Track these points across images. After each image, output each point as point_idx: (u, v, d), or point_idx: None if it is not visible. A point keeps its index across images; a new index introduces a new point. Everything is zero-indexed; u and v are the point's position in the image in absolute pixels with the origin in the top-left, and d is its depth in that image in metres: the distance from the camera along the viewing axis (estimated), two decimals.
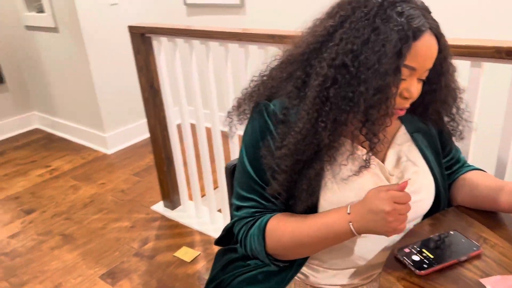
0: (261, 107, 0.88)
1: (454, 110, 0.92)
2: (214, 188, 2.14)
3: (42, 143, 3.43)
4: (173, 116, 2.12)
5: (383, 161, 0.89)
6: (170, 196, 2.34)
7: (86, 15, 2.84)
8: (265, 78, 0.91)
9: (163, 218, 2.32)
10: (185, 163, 2.19)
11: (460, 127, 0.94)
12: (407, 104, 0.82)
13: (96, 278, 1.91)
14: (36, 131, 3.69)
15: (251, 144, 0.89)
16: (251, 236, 0.88)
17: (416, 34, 0.74)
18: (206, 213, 2.26)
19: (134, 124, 3.30)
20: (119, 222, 2.31)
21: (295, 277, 0.97)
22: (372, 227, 0.77)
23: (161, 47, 1.98)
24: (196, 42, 1.85)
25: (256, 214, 0.89)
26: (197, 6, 3.21)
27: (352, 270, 0.93)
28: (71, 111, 3.37)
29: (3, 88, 3.51)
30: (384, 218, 0.75)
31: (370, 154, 0.82)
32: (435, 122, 0.95)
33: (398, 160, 0.90)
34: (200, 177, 2.21)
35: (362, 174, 0.84)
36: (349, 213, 0.80)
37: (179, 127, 2.12)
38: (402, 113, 0.83)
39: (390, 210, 0.74)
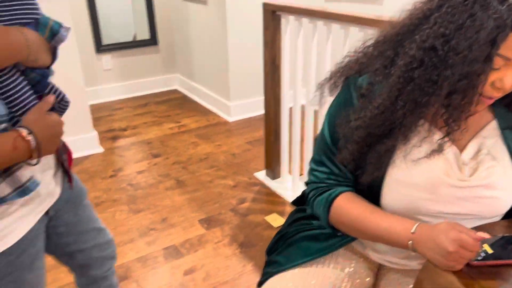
0: (349, 80, 0.93)
1: None
2: None
3: (178, 102, 3.90)
4: (287, 94, 2.24)
5: (462, 150, 0.87)
6: (272, 166, 2.49)
7: None
8: (359, 54, 0.96)
9: (262, 185, 2.50)
10: (291, 142, 2.31)
11: None
12: (497, 94, 0.79)
13: (195, 221, 2.17)
14: (175, 91, 4.21)
15: (333, 113, 0.95)
16: (318, 202, 0.95)
17: None
18: (301, 189, 2.35)
19: (256, 99, 3.54)
20: (225, 179, 2.56)
21: (353, 245, 1.02)
22: (429, 256, 0.78)
23: (288, 25, 2.10)
24: (319, 23, 1.92)
25: (328, 181, 0.95)
26: None
27: (408, 253, 0.94)
28: (206, 78, 3.76)
29: (156, 49, 4.07)
30: (444, 256, 0.75)
31: (445, 139, 0.82)
32: None
33: (478, 152, 0.87)
34: (302, 158, 2.32)
35: (433, 158, 0.84)
36: (413, 232, 0.81)
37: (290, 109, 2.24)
38: (490, 102, 0.80)
39: (453, 252, 0.74)
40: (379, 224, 0.86)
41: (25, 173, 0.81)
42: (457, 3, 0.75)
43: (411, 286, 0.95)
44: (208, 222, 2.16)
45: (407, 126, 0.83)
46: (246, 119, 3.49)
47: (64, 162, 0.98)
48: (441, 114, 0.81)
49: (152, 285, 1.76)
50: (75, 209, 1.06)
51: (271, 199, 2.36)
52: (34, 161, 0.79)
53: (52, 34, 0.83)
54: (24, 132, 0.76)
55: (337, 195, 0.92)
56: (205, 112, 3.66)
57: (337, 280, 0.98)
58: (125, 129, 3.32)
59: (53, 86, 0.87)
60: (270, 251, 1.11)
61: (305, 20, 2.00)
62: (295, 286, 0.95)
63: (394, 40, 0.86)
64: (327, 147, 0.95)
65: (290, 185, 2.42)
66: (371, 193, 0.90)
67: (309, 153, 2.16)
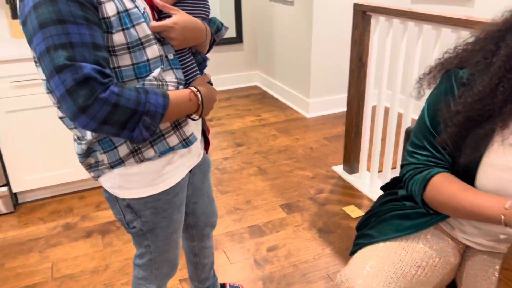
0: (450, 72, 1.03)
1: None
2: (392, 168, 2.29)
3: (258, 98, 4.12)
4: (372, 89, 2.33)
5: None
6: (351, 161, 2.59)
7: None
8: (459, 50, 1.05)
9: (340, 178, 2.60)
10: (371, 139, 2.40)
11: None
12: None
13: (276, 205, 2.34)
14: (256, 87, 4.43)
15: (434, 101, 1.05)
16: (415, 180, 1.05)
17: None
18: (379, 185, 2.43)
19: (335, 97, 3.63)
20: (303, 171, 2.70)
21: (442, 226, 1.11)
22: None
23: (377, 25, 2.19)
24: (411, 24, 1.99)
25: (428, 163, 1.05)
26: None
27: (497, 236, 1.01)
28: (286, 76, 3.92)
29: (240, 47, 4.32)
30: None
31: None
32: None
33: None
34: (382, 155, 2.39)
35: None
36: (506, 209, 0.89)
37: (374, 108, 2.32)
38: None
39: None
40: (473, 200, 0.94)
41: (189, 129, 1.04)
42: None
43: (498, 266, 1.03)
44: (289, 207, 2.32)
45: (507, 112, 0.91)
46: (324, 116, 3.60)
47: (206, 131, 1.21)
48: None
49: (239, 257, 1.95)
50: (202, 176, 1.28)
51: (349, 192, 2.46)
52: (197, 117, 1.03)
53: (217, 30, 1.10)
54: (194, 89, 1.00)
55: (435, 174, 1.02)
56: (284, 107, 3.83)
57: (425, 256, 1.08)
58: (211, 120, 3.59)
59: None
60: (361, 227, 1.24)
61: (395, 21, 2.08)
62: (385, 256, 1.07)
63: (496, 36, 0.94)
64: (428, 132, 1.05)
65: (368, 181, 2.50)
66: (467, 175, 0.99)
67: (390, 152, 2.23)
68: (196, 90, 1.00)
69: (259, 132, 3.32)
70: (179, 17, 0.95)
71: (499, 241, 1.03)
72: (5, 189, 2.27)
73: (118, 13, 0.86)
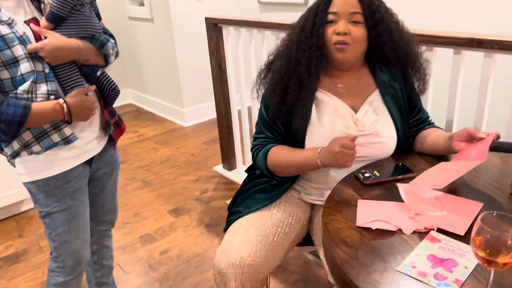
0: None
1: (416, 65, 1.28)
2: None
3: (133, 114, 4.14)
4: (234, 93, 2.59)
5: (356, 111, 1.26)
6: (228, 159, 2.82)
7: (176, 8, 3.44)
8: (278, 50, 1.32)
9: (221, 176, 2.82)
10: (242, 137, 2.66)
11: (422, 81, 1.30)
12: (342, 38, 1.18)
13: (165, 212, 2.45)
14: (130, 105, 4.43)
15: (264, 95, 1.32)
16: (259, 157, 1.31)
17: None
18: None
19: (208, 104, 3.86)
20: (187, 176, 2.86)
21: (291, 193, 1.38)
22: (328, 162, 1.16)
23: (229, 35, 2.46)
24: (254, 31, 2.29)
25: (265, 142, 1.31)
26: (268, 4, 3.66)
27: (328, 190, 1.30)
28: (158, 89, 4.03)
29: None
30: (334, 156, 1.13)
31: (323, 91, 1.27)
32: (402, 70, 1.29)
33: (367, 112, 1.26)
34: None
35: (336, 118, 1.23)
36: (318, 153, 1.19)
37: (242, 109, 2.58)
38: (343, 47, 1.19)
39: (338, 151, 1.12)
40: (299, 155, 1.24)
41: (69, 130, 1.21)
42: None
43: None
44: (177, 212, 2.45)
45: (312, 81, 1.24)
46: (200, 123, 3.80)
47: (112, 133, 1.36)
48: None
49: (133, 266, 2.02)
50: (108, 171, 1.44)
51: (230, 186, 2.68)
52: (69, 122, 1.19)
53: (101, 45, 1.23)
54: (61, 101, 1.16)
55: (270, 148, 1.29)
56: (161, 120, 3.93)
57: (281, 218, 1.33)
58: None
59: (107, 78, 1.30)
60: (231, 206, 1.44)
61: (243, 30, 2.37)
62: (250, 224, 1.29)
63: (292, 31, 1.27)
64: (264, 120, 1.31)
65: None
66: (298, 140, 1.27)
67: None
68: (63, 101, 1.15)
69: (138, 147, 3.38)
70: (49, 39, 1.13)
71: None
72: None
73: None
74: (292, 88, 1.24)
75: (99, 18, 1.32)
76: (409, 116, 1.33)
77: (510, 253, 0.68)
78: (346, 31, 1.19)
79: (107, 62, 1.30)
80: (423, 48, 1.54)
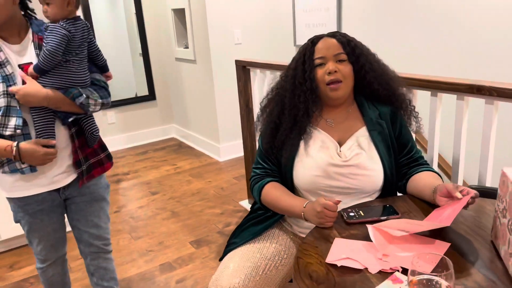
0: None
1: (403, 104, 1.35)
2: None
3: (174, 148, 4.38)
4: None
5: (341, 144, 1.32)
6: None
7: (216, 51, 3.68)
8: (273, 91, 1.43)
9: (245, 211, 2.89)
10: None
11: (412, 122, 1.35)
12: (333, 77, 1.28)
13: (186, 242, 2.56)
14: (172, 139, 4.70)
15: (261, 132, 1.41)
16: (255, 189, 1.39)
17: (314, 41, 1.30)
18: None
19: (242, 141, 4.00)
20: (213, 209, 2.96)
21: (285, 226, 1.43)
22: (310, 218, 1.21)
23: (256, 76, 2.61)
24: (277, 73, 2.42)
25: (262, 174, 1.40)
26: None
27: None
28: (198, 125, 4.25)
29: (154, 104, 4.61)
30: (316, 215, 1.18)
31: (313, 127, 1.35)
32: (390, 110, 1.36)
33: (352, 145, 1.31)
34: None
35: (321, 149, 1.29)
36: (304, 207, 1.25)
37: None
38: (336, 86, 1.29)
39: (320, 211, 1.17)
40: (286, 202, 1.30)
41: (19, 165, 1.42)
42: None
43: None
44: (198, 243, 2.54)
45: (300, 122, 1.32)
46: (234, 158, 3.94)
47: (84, 171, 1.52)
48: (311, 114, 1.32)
49: None
50: (85, 201, 1.59)
51: None
52: (20, 162, 1.39)
53: (73, 98, 1.40)
54: (14, 144, 1.35)
55: (266, 183, 1.37)
56: (198, 155, 4.12)
57: (275, 252, 1.37)
58: (127, 173, 3.77)
59: (89, 123, 1.49)
60: (231, 238, 1.51)
61: (268, 72, 2.51)
62: (243, 255, 1.34)
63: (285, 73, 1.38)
64: (260, 152, 1.41)
65: None
66: (287, 176, 1.34)
67: None
68: (15, 145, 1.36)
69: (174, 179, 3.56)
70: (25, 86, 1.33)
71: None
72: None
73: None
74: (283, 128, 1.33)
75: (104, 70, 1.52)
76: (400, 154, 1.36)
77: None
78: (336, 70, 1.29)
79: (86, 111, 1.45)
80: (415, 91, 1.60)
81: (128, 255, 2.46)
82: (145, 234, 2.69)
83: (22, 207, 1.52)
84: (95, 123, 1.54)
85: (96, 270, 1.71)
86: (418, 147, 1.45)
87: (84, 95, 1.42)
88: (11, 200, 1.52)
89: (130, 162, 4.05)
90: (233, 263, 1.33)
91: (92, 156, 1.56)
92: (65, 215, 1.65)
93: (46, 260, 1.68)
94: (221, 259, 1.43)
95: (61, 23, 1.36)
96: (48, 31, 1.36)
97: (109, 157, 1.64)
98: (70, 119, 1.43)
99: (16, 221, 1.58)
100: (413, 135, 1.48)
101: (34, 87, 1.34)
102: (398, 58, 3.03)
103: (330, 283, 0.94)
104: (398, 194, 1.40)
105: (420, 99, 1.77)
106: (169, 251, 2.47)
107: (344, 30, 3.39)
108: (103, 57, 1.55)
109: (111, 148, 4.39)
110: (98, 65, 1.54)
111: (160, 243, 2.57)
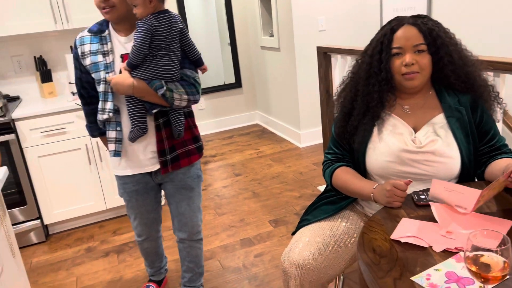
0: None
1: (481, 88, 1.30)
2: None
3: (258, 134, 4.56)
4: None
5: (416, 130, 1.32)
6: None
7: (300, 38, 3.75)
8: (349, 74, 1.47)
9: None
10: None
11: (496, 108, 1.31)
12: (409, 69, 1.27)
13: (265, 221, 2.70)
14: (256, 125, 4.88)
15: (335, 118, 1.47)
16: (326, 173, 1.46)
17: (394, 28, 1.28)
18: None
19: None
20: (291, 192, 3.07)
21: (357, 207, 1.47)
22: (379, 198, 1.25)
23: (337, 62, 2.63)
24: None
25: (333, 159, 1.46)
26: None
27: None
28: (280, 112, 4.37)
29: (240, 91, 4.83)
30: (385, 194, 1.21)
31: (392, 115, 1.34)
32: (471, 98, 1.32)
33: (427, 132, 1.30)
34: None
35: (394, 135, 1.31)
36: (374, 188, 1.29)
37: None
38: (412, 76, 1.28)
39: (389, 190, 1.20)
40: (356, 184, 1.35)
41: (112, 146, 1.64)
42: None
43: None
44: (276, 222, 2.67)
45: (374, 108, 1.34)
46: (315, 144, 3.99)
47: (168, 160, 1.66)
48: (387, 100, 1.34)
49: (230, 263, 2.30)
50: (174, 188, 1.75)
51: None
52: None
53: (155, 89, 1.51)
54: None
55: (337, 168, 1.42)
56: (280, 140, 4.25)
57: (345, 230, 1.43)
58: (214, 156, 4.03)
59: (175, 117, 1.60)
60: (303, 215, 1.60)
61: (348, 58, 2.52)
62: (315, 231, 1.43)
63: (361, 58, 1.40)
64: (333, 138, 1.46)
65: None
66: (360, 160, 1.38)
67: None
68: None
69: (256, 163, 3.73)
70: (117, 75, 1.50)
71: None
72: (38, 222, 2.72)
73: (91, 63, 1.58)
74: (356, 114, 1.37)
75: (198, 64, 1.62)
76: (480, 142, 1.32)
77: (499, 268, 0.72)
78: (413, 62, 1.27)
79: (171, 104, 1.54)
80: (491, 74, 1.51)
81: (213, 229, 2.68)
82: (228, 211, 2.90)
83: (122, 185, 1.76)
84: (182, 118, 1.61)
85: (181, 250, 1.90)
86: (508, 132, 1.40)
87: (164, 87, 1.49)
88: (116, 177, 1.77)
89: (217, 146, 4.32)
90: (304, 238, 1.42)
91: (180, 147, 1.66)
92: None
93: (141, 235, 1.90)
94: (293, 234, 1.53)
95: (145, 19, 1.44)
96: (136, 28, 1.45)
97: (199, 149, 1.73)
98: (154, 110, 1.55)
99: (120, 196, 1.82)
100: (498, 122, 1.42)
101: (123, 76, 1.49)
102: (493, 43, 2.82)
103: (392, 257, 0.99)
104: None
105: None
106: (249, 228, 2.64)
107: (435, 14, 3.23)
108: (197, 51, 1.60)
109: (201, 132, 4.72)
110: (192, 59, 1.60)
111: (242, 220, 2.75)
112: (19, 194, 2.63)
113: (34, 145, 2.62)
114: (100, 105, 1.60)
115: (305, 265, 1.34)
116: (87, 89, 1.67)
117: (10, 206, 2.63)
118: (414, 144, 1.31)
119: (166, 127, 1.61)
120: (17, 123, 2.57)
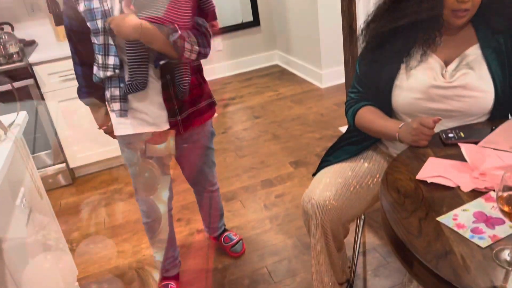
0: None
1: None
2: None
3: (277, 75, 4.44)
4: None
5: (447, 63, 1.23)
6: None
7: None
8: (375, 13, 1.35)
9: None
10: None
11: None
12: (463, 5, 1.14)
13: (286, 162, 2.70)
14: (276, 66, 4.75)
15: (360, 53, 1.38)
16: (349, 112, 1.40)
17: None
18: None
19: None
20: (312, 133, 3.03)
21: (381, 148, 1.43)
22: (405, 137, 1.19)
23: None
24: None
25: (357, 98, 1.39)
26: None
27: None
28: (301, 52, 4.22)
29: (258, 30, 4.65)
30: (411, 132, 1.15)
31: (427, 52, 1.22)
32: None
33: (459, 64, 1.21)
34: None
35: (424, 70, 1.22)
36: (400, 127, 1.22)
37: None
38: (463, 14, 1.15)
39: (415, 127, 1.13)
40: (380, 124, 1.29)
41: (116, 105, 1.44)
42: None
43: None
44: (296, 164, 2.67)
45: (405, 43, 1.24)
46: (336, 85, 3.87)
47: (179, 120, 1.50)
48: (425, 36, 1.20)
49: (251, 204, 2.34)
50: (191, 149, 1.66)
51: None
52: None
53: (168, 34, 1.28)
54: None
55: (360, 107, 1.36)
56: (300, 81, 4.14)
57: (367, 171, 1.40)
58: (233, 98, 3.98)
59: (178, 73, 1.40)
60: (324, 156, 1.57)
61: None
62: (336, 172, 1.40)
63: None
64: (356, 75, 1.39)
65: None
66: (385, 98, 1.31)
67: None
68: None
69: (276, 105, 3.67)
70: (121, 15, 1.25)
71: None
72: (63, 165, 2.80)
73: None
74: (386, 48, 1.27)
75: (211, 18, 1.42)
76: None
77: None
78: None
79: (180, 55, 1.32)
80: None
81: (233, 171, 2.70)
82: (248, 153, 2.90)
83: (124, 145, 1.58)
84: (188, 75, 1.43)
85: (199, 201, 1.93)
86: None
87: (179, 32, 1.29)
88: (118, 138, 1.60)
89: (236, 88, 4.25)
90: (325, 178, 1.40)
91: (191, 106, 1.52)
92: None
93: (149, 214, 1.73)
94: (314, 175, 1.51)
95: None
96: None
97: (210, 105, 1.60)
98: (162, 62, 1.35)
99: (126, 164, 1.71)
100: None
101: (127, 16, 1.25)
102: None
103: (417, 198, 0.95)
104: None
105: None
106: (270, 170, 2.65)
107: None
108: (211, 0, 1.41)
109: (219, 75, 4.63)
110: (204, 9, 1.41)
111: (262, 162, 2.76)
112: (43, 138, 2.68)
113: (53, 90, 2.62)
114: (100, 60, 1.36)
115: (326, 205, 1.33)
116: (84, 42, 1.40)
117: (35, 150, 2.70)
118: (444, 79, 1.22)
119: (175, 84, 1.44)
120: (35, 68, 2.56)
